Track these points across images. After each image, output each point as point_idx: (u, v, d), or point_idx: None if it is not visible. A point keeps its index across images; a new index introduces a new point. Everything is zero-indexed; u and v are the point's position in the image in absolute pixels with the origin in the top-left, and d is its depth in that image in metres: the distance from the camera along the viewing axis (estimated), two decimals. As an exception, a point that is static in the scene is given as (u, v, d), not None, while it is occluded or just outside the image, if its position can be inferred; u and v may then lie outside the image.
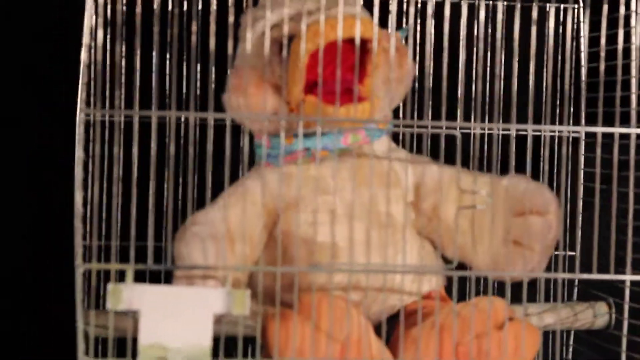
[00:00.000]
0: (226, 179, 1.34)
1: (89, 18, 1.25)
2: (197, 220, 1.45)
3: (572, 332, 1.85)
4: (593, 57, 1.82)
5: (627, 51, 1.51)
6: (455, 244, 1.48)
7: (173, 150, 1.33)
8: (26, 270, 1.86)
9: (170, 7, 1.67)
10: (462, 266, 1.51)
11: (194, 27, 1.32)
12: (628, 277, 1.43)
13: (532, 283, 1.76)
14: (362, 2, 1.51)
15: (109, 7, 1.65)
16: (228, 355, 1.33)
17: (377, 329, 1.45)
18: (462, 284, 1.47)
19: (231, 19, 1.33)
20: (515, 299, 1.49)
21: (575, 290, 1.85)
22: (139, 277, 1.42)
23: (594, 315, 1.71)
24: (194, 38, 1.31)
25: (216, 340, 1.30)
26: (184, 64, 1.72)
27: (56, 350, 1.77)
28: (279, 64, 1.48)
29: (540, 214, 1.48)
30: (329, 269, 1.42)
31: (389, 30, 1.50)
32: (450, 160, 1.48)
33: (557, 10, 1.84)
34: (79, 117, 1.23)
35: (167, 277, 1.53)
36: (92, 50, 1.47)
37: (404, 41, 1.58)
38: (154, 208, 1.29)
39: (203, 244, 1.40)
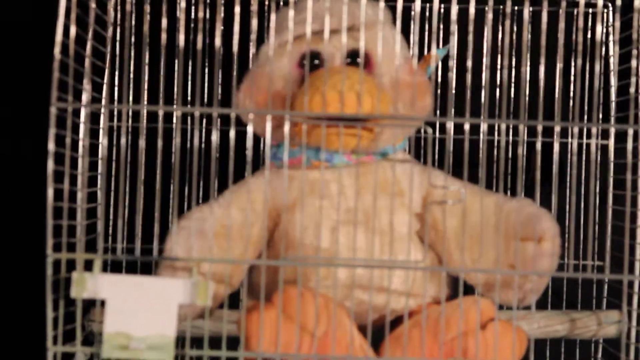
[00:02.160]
0: (230, 176, 1.37)
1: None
2: (191, 215, 1.47)
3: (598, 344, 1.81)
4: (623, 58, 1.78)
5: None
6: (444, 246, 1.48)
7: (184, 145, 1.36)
8: None
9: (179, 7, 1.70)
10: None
11: (200, 25, 1.34)
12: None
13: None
14: (382, 12, 1.50)
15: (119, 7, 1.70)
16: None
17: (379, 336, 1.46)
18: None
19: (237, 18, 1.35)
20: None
21: (604, 301, 1.81)
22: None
23: (598, 323, 1.68)
24: (199, 36, 1.34)
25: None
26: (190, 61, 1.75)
27: (27, 338, 1.81)
28: (296, 78, 1.49)
29: (539, 241, 1.46)
30: (304, 262, 1.43)
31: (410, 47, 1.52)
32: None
33: (586, 14, 1.81)
34: (86, 111, 1.27)
35: (144, 269, 1.56)
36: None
37: (440, 62, 1.57)
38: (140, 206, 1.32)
39: (189, 239, 1.42)
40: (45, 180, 1.29)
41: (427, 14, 1.80)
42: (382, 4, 1.42)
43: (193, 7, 1.74)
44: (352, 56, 1.49)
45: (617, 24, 1.43)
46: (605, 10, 1.85)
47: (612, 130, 1.74)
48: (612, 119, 1.76)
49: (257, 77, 1.50)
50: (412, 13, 1.67)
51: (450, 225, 1.52)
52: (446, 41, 1.76)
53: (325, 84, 1.40)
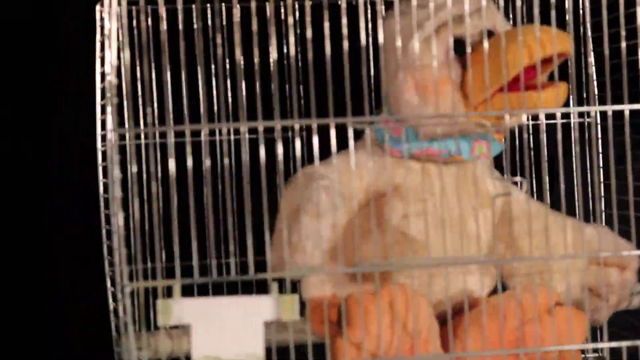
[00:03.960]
0: (280, 186, 1.35)
1: (114, 38, 1.25)
2: (315, 174, 1.47)
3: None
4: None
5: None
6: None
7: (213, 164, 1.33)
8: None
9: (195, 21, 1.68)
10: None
11: (219, 40, 1.31)
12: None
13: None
14: None
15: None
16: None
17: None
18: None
19: (254, 26, 1.32)
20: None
21: None
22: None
23: (630, 293, 1.70)
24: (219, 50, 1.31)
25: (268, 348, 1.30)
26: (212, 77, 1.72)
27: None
28: (456, 64, 1.49)
29: (620, 268, 1.53)
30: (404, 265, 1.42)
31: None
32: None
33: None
34: (113, 136, 1.24)
35: (214, 290, 1.53)
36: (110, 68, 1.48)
37: None
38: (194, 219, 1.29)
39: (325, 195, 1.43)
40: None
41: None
42: None
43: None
44: (489, 35, 1.49)
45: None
46: None
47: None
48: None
49: (415, 72, 1.49)
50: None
51: (526, 244, 1.56)
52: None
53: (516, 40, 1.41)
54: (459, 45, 1.49)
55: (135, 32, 1.69)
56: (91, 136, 1.59)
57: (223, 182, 1.66)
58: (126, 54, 1.25)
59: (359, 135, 1.57)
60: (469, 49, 1.47)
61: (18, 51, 1.90)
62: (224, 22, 1.69)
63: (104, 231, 1.77)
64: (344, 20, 1.34)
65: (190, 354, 1.25)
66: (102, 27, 1.77)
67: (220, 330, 1.26)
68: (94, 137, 1.61)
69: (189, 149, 1.31)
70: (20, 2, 1.90)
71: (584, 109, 1.43)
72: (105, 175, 1.77)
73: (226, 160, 1.31)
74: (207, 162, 1.31)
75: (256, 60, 1.34)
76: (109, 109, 1.27)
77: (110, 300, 1.76)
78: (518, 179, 1.52)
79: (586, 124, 1.90)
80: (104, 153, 1.78)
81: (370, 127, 1.54)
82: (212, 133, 1.73)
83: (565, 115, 1.88)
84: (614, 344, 1.40)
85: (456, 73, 1.49)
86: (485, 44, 1.43)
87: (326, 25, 1.33)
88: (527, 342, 1.44)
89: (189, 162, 1.30)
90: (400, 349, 1.38)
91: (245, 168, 1.31)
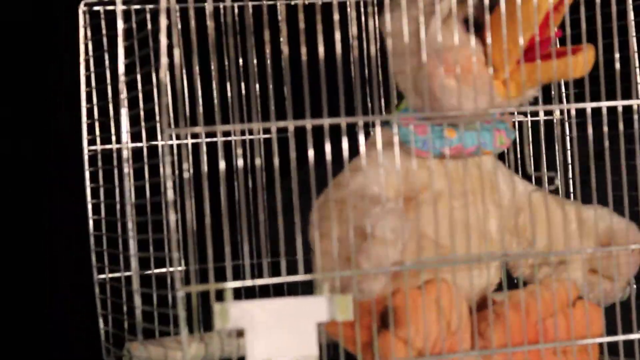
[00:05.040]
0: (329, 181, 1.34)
1: (163, 37, 1.23)
2: (362, 191, 1.44)
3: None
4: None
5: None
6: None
7: (258, 163, 1.31)
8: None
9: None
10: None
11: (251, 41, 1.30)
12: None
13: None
14: None
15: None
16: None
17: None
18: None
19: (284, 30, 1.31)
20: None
21: None
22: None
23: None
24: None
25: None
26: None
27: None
28: (466, 42, 1.47)
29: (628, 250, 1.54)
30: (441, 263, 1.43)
31: None
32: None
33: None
34: (164, 136, 1.21)
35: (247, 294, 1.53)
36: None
37: None
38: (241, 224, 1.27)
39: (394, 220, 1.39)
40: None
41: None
42: None
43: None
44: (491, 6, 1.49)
45: None
46: None
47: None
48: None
49: (449, 55, 1.46)
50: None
51: (539, 233, 1.58)
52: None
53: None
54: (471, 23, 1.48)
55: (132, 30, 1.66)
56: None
57: (254, 182, 1.64)
58: (177, 53, 1.23)
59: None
60: (487, 16, 1.46)
61: (18, 51, 1.86)
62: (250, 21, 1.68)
63: (92, 239, 1.73)
64: (354, 21, 1.33)
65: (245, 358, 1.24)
66: (86, 29, 1.74)
67: (274, 332, 1.25)
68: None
69: (220, 150, 1.29)
70: (20, 2, 1.86)
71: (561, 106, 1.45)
72: (92, 181, 1.74)
73: (257, 161, 1.29)
74: (240, 162, 1.29)
75: (285, 58, 1.33)
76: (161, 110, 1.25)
77: (99, 309, 1.73)
78: (550, 174, 1.53)
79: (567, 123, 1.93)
80: (91, 158, 1.75)
81: (385, 126, 1.53)
82: (241, 133, 1.71)
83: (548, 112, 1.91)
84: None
85: (479, 49, 1.48)
86: (502, 8, 1.43)
87: (336, 22, 1.33)
88: (548, 336, 1.46)
89: (222, 164, 1.28)
90: (445, 346, 1.39)
91: (275, 168, 1.29)
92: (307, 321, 1.26)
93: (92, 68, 1.73)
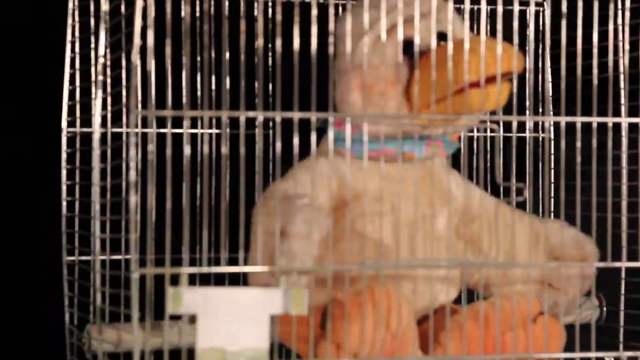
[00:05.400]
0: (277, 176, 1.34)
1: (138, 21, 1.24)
2: (286, 193, 1.45)
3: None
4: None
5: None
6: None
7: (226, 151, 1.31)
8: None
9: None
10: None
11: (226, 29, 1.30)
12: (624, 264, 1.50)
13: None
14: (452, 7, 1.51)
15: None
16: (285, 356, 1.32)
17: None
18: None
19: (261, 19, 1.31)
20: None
21: None
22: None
23: (588, 309, 1.76)
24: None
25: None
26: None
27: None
28: (407, 66, 1.48)
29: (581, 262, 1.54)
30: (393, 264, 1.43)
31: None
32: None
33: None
34: (132, 117, 1.22)
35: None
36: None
37: None
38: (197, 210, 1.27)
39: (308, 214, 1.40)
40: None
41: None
42: None
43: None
44: (442, 39, 1.50)
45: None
46: (541, 9, 1.92)
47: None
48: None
49: (361, 72, 1.48)
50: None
51: (488, 242, 1.58)
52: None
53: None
54: (410, 47, 1.48)
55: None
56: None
57: (219, 174, 1.65)
58: (150, 35, 1.24)
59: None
60: (417, 51, 1.47)
61: (18, 51, 1.87)
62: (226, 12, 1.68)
63: (63, 220, 1.74)
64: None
65: (195, 344, 1.24)
66: (74, 10, 1.75)
67: (227, 321, 1.25)
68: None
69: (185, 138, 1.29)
70: (20, 2, 1.88)
71: (538, 118, 1.45)
72: (69, 162, 1.74)
73: (223, 149, 1.30)
74: (205, 149, 1.29)
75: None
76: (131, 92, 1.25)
77: (66, 290, 1.73)
78: (519, 184, 1.53)
79: (540, 138, 1.94)
80: (69, 140, 1.75)
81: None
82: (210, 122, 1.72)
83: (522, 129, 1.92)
84: (600, 354, 1.43)
85: (404, 75, 1.48)
86: (433, 50, 1.44)
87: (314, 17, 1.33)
88: (506, 350, 1.47)
89: (187, 149, 1.28)
90: (382, 350, 1.38)
91: (224, 160, 1.29)
92: (260, 313, 1.26)
93: (77, 50, 1.74)
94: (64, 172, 1.75)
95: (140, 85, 1.40)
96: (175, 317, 1.55)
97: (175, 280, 1.25)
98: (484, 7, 1.46)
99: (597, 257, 1.55)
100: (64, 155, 1.74)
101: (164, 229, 1.25)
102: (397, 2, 1.47)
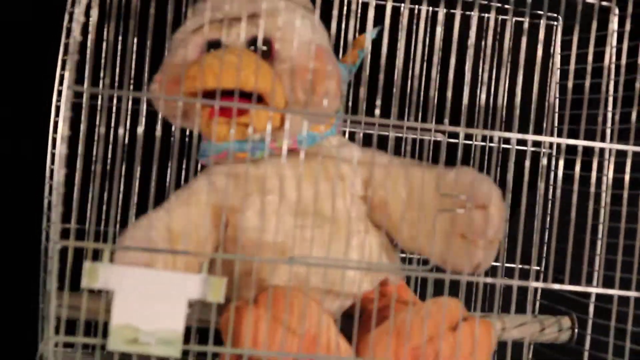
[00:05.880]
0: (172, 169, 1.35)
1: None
2: (137, 224, 1.46)
3: (532, 345, 1.87)
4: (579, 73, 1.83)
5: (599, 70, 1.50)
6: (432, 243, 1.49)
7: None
8: None
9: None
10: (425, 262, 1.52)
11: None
12: (594, 290, 1.44)
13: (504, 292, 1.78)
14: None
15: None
16: (201, 342, 1.32)
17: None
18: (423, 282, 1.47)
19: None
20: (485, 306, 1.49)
21: (537, 304, 1.87)
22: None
23: (559, 329, 1.72)
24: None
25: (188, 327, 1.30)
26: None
27: (22, 330, 1.78)
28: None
29: (482, 207, 1.46)
30: (289, 261, 1.41)
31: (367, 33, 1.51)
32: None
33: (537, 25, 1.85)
34: (67, 94, 1.23)
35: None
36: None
37: (369, 42, 1.57)
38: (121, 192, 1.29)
39: (137, 251, 1.40)
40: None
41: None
42: None
43: None
44: (254, 44, 1.49)
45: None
46: (555, 24, 1.89)
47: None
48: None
49: (167, 68, 1.50)
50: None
51: (396, 205, 1.52)
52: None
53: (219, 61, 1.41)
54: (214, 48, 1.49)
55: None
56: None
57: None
58: (94, 13, 1.25)
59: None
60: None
61: (18, 51, 1.90)
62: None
63: (47, 186, 1.76)
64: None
65: (110, 320, 1.25)
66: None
67: (144, 301, 1.26)
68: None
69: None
70: (21, 2, 1.91)
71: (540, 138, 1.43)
72: (55, 131, 1.76)
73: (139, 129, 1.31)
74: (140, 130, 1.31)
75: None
76: (68, 65, 1.27)
77: (42, 255, 1.75)
78: (461, 195, 1.49)
79: (541, 154, 1.92)
80: (57, 109, 1.77)
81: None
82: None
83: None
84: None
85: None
86: None
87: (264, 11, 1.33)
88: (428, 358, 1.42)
89: (140, 130, 1.30)
90: (285, 350, 1.36)
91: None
92: (178, 296, 1.26)
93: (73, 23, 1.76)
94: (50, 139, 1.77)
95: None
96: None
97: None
98: (492, 16, 1.45)
99: (498, 198, 1.46)
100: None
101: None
102: (223, 3, 1.47)
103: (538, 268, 1.92)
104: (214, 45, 1.50)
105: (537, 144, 1.94)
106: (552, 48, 1.95)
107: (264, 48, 1.49)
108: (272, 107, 1.44)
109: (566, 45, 1.93)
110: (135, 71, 1.76)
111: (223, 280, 1.27)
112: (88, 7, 1.27)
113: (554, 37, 1.95)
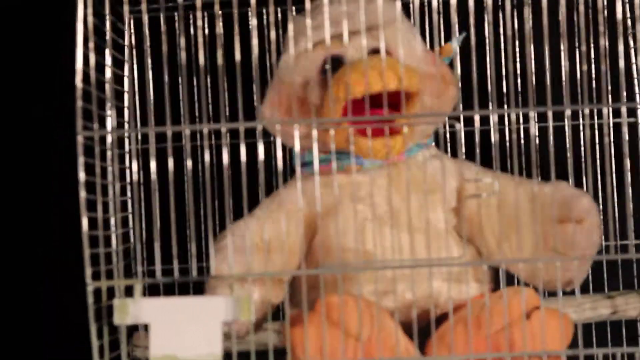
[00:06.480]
0: (261, 189, 1.36)
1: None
2: (232, 232, 1.47)
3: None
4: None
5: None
6: (464, 232, 1.48)
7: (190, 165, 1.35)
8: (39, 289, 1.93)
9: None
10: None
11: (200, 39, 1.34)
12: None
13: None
14: (400, 8, 1.49)
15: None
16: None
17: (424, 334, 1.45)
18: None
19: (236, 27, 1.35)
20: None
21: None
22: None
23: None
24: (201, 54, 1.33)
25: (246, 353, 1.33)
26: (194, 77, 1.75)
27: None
28: (320, 84, 1.48)
29: (579, 222, 1.45)
30: (353, 268, 1.42)
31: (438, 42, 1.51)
32: (485, 153, 1.48)
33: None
34: (112, 138, 1.28)
35: (181, 290, 1.57)
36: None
37: (457, 50, 1.57)
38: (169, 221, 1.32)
39: (227, 258, 1.42)
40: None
41: (427, 7, 1.81)
42: (398, 2, 1.42)
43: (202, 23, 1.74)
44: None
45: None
46: None
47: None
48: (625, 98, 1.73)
49: (281, 88, 1.50)
50: (412, 7, 1.68)
51: (487, 217, 1.51)
52: (447, 34, 1.75)
53: (348, 74, 1.39)
54: (338, 64, 1.46)
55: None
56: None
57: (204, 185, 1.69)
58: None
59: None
60: (329, 73, 1.45)
61: (19, 51, 1.94)
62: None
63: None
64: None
65: (149, 352, 1.28)
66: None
67: (178, 329, 1.29)
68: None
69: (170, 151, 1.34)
70: (21, 4, 1.94)
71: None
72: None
73: (207, 162, 1.33)
74: (189, 164, 1.34)
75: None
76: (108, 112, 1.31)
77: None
78: (488, 180, 1.49)
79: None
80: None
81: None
82: (193, 136, 1.76)
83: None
84: (605, 350, 1.36)
85: (316, 94, 1.48)
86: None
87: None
88: (500, 349, 1.42)
89: (170, 163, 1.33)
90: (346, 356, 1.37)
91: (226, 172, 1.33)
92: (211, 320, 1.29)
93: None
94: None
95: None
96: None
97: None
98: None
99: (592, 211, 1.45)
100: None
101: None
102: (339, 14, 1.45)
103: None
104: (335, 60, 1.48)
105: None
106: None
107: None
108: (420, 113, 1.44)
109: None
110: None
111: (250, 298, 1.29)
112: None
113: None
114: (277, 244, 1.47)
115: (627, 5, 1.79)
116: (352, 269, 1.44)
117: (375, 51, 1.47)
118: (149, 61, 1.64)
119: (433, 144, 1.57)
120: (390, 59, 1.43)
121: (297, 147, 1.38)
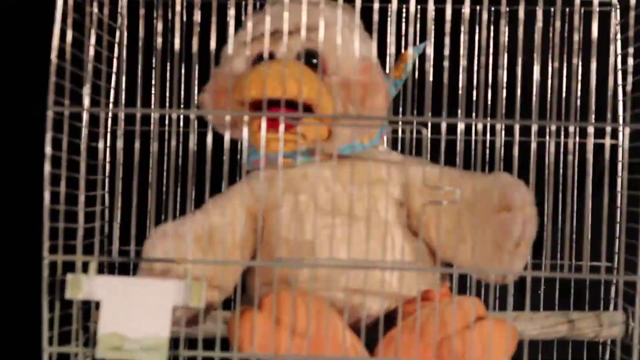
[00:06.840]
0: (225, 182, 1.38)
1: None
2: (174, 222, 1.49)
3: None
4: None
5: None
6: (421, 236, 1.48)
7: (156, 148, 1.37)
8: None
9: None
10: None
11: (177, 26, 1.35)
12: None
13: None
14: (341, 9, 1.51)
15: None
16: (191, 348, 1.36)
17: (373, 331, 1.47)
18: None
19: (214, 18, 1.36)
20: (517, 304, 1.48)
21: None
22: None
23: (610, 324, 1.69)
24: (177, 40, 1.35)
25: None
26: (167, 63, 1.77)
27: (21, 339, 1.83)
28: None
29: (509, 210, 1.44)
30: (296, 263, 1.44)
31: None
32: (450, 162, 1.50)
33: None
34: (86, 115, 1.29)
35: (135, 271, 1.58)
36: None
37: (416, 58, 1.59)
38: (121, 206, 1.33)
39: (166, 243, 1.43)
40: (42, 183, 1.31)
41: (404, 14, 1.83)
42: (340, 3, 1.44)
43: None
44: (307, 57, 1.52)
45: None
46: (613, 9, 1.86)
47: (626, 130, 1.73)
48: (592, 119, 1.74)
49: (217, 78, 1.53)
50: (389, 13, 1.69)
51: (431, 211, 1.53)
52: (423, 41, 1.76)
53: (265, 71, 1.43)
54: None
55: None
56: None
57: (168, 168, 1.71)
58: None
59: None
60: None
61: (19, 51, 1.95)
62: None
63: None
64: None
65: (97, 329, 1.30)
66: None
67: (129, 309, 1.31)
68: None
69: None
70: (23, 4, 1.95)
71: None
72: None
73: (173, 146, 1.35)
74: (155, 147, 1.36)
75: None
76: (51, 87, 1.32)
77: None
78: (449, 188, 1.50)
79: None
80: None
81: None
82: (162, 121, 1.78)
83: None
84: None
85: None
86: None
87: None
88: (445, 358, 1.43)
89: (137, 144, 1.35)
90: (293, 354, 1.39)
91: (192, 158, 1.34)
92: (161, 303, 1.31)
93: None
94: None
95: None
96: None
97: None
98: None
99: (526, 200, 1.44)
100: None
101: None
102: (282, 13, 1.48)
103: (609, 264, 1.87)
104: (263, 58, 1.52)
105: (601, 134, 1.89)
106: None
107: (314, 61, 1.52)
108: (318, 114, 1.47)
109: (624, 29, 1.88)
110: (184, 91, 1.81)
111: (203, 285, 1.31)
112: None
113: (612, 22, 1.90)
114: (220, 236, 1.49)
115: (619, 27, 1.81)
116: (309, 264, 1.46)
117: (308, 52, 1.51)
118: (125, 43, 1.66)
119: (379, 144, 1.59)
120: (308, 71, 1.47)
121: (226, 137, 1.40)
